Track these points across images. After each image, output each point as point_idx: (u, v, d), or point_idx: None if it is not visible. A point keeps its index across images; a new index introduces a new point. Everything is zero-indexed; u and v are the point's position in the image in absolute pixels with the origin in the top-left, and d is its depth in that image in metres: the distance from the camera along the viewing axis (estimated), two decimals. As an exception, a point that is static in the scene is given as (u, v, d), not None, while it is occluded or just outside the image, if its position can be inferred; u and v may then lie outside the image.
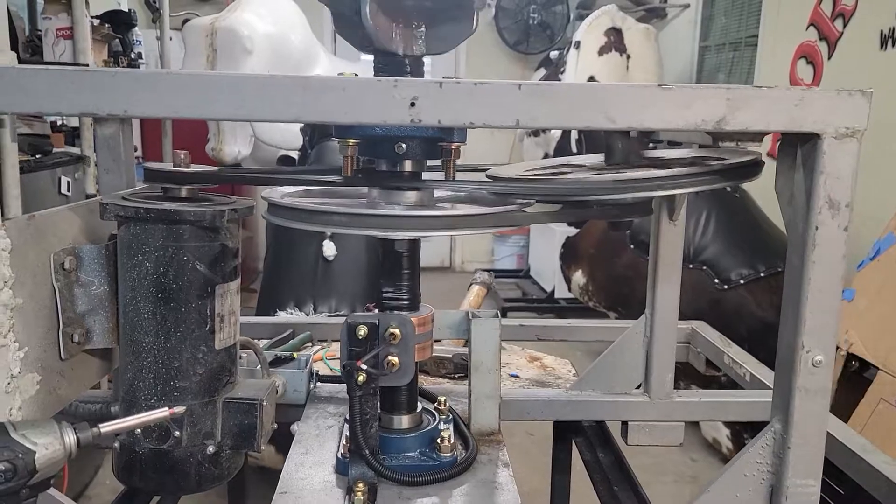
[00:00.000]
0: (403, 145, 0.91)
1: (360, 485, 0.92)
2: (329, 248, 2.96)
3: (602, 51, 4.68)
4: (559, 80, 4.93)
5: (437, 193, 1.02)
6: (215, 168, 0.99)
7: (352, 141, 0.90)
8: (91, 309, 0.94)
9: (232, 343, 0.97)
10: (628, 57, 4.73)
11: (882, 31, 3.26)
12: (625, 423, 1.29)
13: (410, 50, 0.90)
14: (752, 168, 0.89)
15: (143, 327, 0.91)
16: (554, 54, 5.46)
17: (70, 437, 0.65)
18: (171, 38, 4.19)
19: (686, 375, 1.50)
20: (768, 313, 3.10)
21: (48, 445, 0.63)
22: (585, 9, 5.49)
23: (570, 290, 3.99)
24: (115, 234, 0.96)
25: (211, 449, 0.94)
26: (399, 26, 0.89)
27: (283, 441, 2.55)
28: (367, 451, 0.93)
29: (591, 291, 3.74)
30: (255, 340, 1.21)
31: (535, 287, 5.68)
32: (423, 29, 0.91)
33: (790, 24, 4.02)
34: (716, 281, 3.18)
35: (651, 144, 1.15)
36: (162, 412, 0.74)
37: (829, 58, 3.70)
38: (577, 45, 4.79)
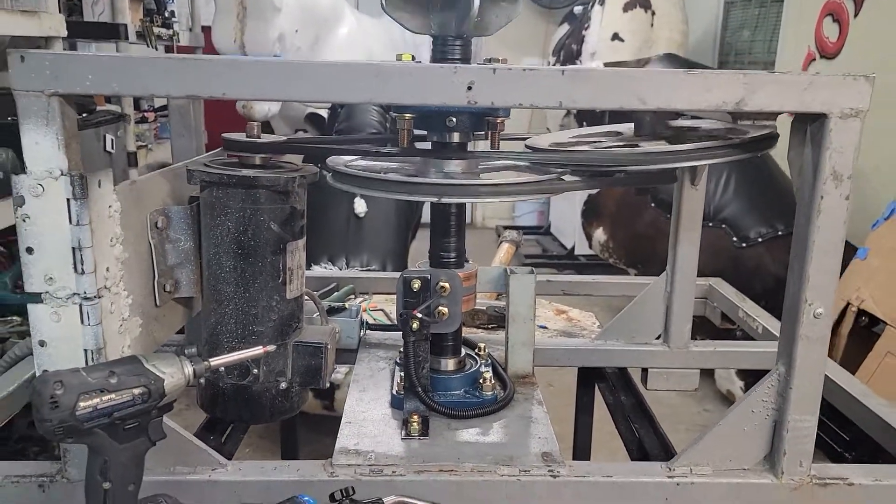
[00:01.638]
0: (454, 119, 1.02)
1: (415, 417, 1.05)
2: (360, 206, 3.09)
3: (627, 7, 4.67)
4: (582, 36, 4.93)
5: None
6: (284, 137, 1.10)
7: (408, 116, 1.00)
8: (179, 263, 1.08)
9: (300, 294, 1.10)
10: (653, 13, 4.72)
11: (910, -10, 3.24)
12: (645, 370, 1.42)
13: (462, 33, 1.00)
14: (769, 141, 0.99)
15: (226, 279, 1.03)
16: (578, 9, 5.44)
17: (188, 368, 0.79)
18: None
19: (702, 331, 1.61)
20: (784, 271, 3.18)
21: (173, 374, 0.77)
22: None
23: (590, 247, 4.10)
24: (195, 196, 1.08)
25: (283, 385, 1.07)
26: (454, 12, 0.99)
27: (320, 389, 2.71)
28: (420, 389, 1.06)
29: (611, 248, 3.84)
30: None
31: (555, 244, 5.78)
32: (476, 13, 1.00)
33: (818, -19, 3.99)
34: (734, 239, 3.26)
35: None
36: (258, 350, 0.87)
37: (856, 16, 3.69)
38: (602, 1, 4.78)
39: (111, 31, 2.85)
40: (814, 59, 4.05)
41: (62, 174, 0.82)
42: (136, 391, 0.75)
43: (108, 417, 0.74)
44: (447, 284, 1.04)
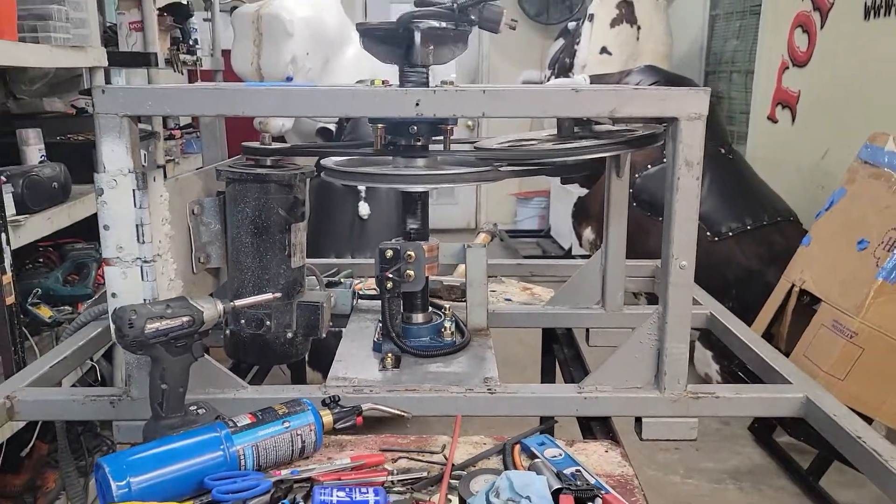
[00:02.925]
0: (415, 127, 1.34)
1: (390, 355, 1.37)
2: (364, 208, 3.43)
3: (614, 23, 4.99)
4: (574, 50, 5.26)
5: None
6: (289, 145, 1.43)
7: (380, 125, 1.33)
8: (210, 241, 1.41)
9: (302, 264, 1.43)
10: (638, 28, 5.04)
11: (865, 3, 3.54)
12: (587, 330, 1.73)
13: (422, 63, 1.32)
14: (652, 138, 1.30)
15: (245, 252, 1.36)
16: (571, 25, 5.78)
17: (220, 306, 1.11)
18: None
19: (654, 303, 1.90)
20: (752, 262, 3.47)
21: (209, 309, 1.10)
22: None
23: (580, 245, 4.40)
24: (222, 191, 1.42)
25: (289, 335, 1.40)
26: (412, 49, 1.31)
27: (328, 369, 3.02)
28: (394, 334, 1.39)
29: (599, 246, 4.15)
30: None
31: (554, 246, 6.09)
32: (430, 48, 1.32)
33: (789, -6, 4.29)
34: (708, 233, 3.55)
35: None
36: (268, 295, 1.20)
37: (822, 27, 3.98)
38: (591, 17, 5.11)
39: (144, 60, 3.22)
40: (787, 68, 4.35)
41: (129, 171, 1.15)
42: (184, 319, 1.08)
43: (166, 337, 1.07)
44: (413, 253, 1.36)
